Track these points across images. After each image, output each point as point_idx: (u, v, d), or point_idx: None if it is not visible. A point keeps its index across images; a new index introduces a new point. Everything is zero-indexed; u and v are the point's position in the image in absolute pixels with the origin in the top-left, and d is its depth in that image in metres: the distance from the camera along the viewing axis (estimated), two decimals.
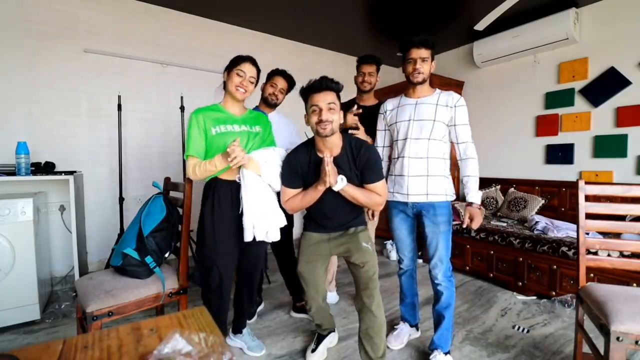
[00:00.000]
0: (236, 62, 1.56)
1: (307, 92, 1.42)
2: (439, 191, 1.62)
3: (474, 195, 1.58)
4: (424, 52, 1.58)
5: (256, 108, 2.09)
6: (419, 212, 1.67)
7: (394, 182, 1.71)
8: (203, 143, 1.52)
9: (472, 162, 1.61)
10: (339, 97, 1.43)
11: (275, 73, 2.05)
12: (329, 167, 1.35)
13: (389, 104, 1.78)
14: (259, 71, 1.61)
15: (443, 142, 1.64)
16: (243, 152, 1.42)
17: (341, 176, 1.40)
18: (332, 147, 1.45)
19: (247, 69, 1.54)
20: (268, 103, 2.05)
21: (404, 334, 1.88)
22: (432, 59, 1.63)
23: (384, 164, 1.82)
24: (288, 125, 2.15)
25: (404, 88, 1.74)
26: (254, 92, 1.62)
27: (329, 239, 1.59)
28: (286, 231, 1.80)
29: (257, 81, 1.62)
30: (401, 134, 1.67)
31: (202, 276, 1.62)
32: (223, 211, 1.55)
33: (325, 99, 1.38)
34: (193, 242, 2.70)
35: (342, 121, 1.45)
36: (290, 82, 2.07)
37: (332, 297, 2.40)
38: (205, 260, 1.58)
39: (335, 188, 1.40)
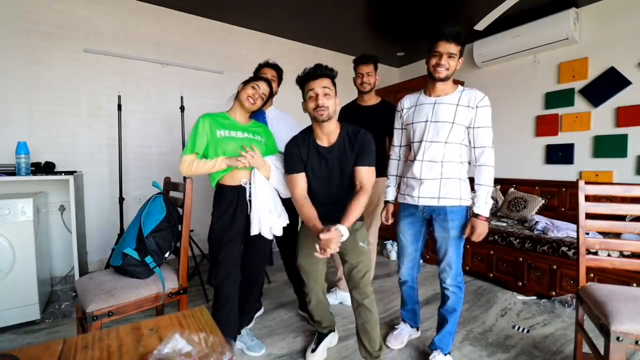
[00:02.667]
0: (255, 77, 1.70)
1: (304, 80, 1.46)
2: (453, 195, 1.54)
3: (482, 206, 1.50)
4: (453, 48, 1.44)
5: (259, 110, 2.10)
6: (430, 217, 1.62)
7: (406, 184, 1.66)
8: (202, 146, 1.60)
9: (486, 170, 1.51)
10: (334, 84, 1.47)
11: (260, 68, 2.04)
12: (330, 247, 1.29)
13: (406, 102, 1.68)
14: (271, 90, 1.71)
15: (462, 145, 1.55)
16: (257, 158, 1.58)
17: (336, 227, 1.33)
18: (329, 132, 1.50)
19: (262, 86, 1.66)
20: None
21: (404, 334, 1.88)
22: (461, 55, 1.48)
23: (400, 164, 1.79)
24: (286, 121, 2.07)
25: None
26: (259, 107, 1.70)
27: None
28: (290, 230, 1.80)
29: (267, 99, 1.71)
30: (417, 135, 1.59)
31: (210, 275, 1.66)
32: (229, 213, 1.62)
33: (321, 84, 1.41)
34: (193, 242, 2.70)
35: (338, 107, 1.48)
36: (277, 71, 2.05)
37: (348, 297, 2.24)
38: (215, 260, 1.63)
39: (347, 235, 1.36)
